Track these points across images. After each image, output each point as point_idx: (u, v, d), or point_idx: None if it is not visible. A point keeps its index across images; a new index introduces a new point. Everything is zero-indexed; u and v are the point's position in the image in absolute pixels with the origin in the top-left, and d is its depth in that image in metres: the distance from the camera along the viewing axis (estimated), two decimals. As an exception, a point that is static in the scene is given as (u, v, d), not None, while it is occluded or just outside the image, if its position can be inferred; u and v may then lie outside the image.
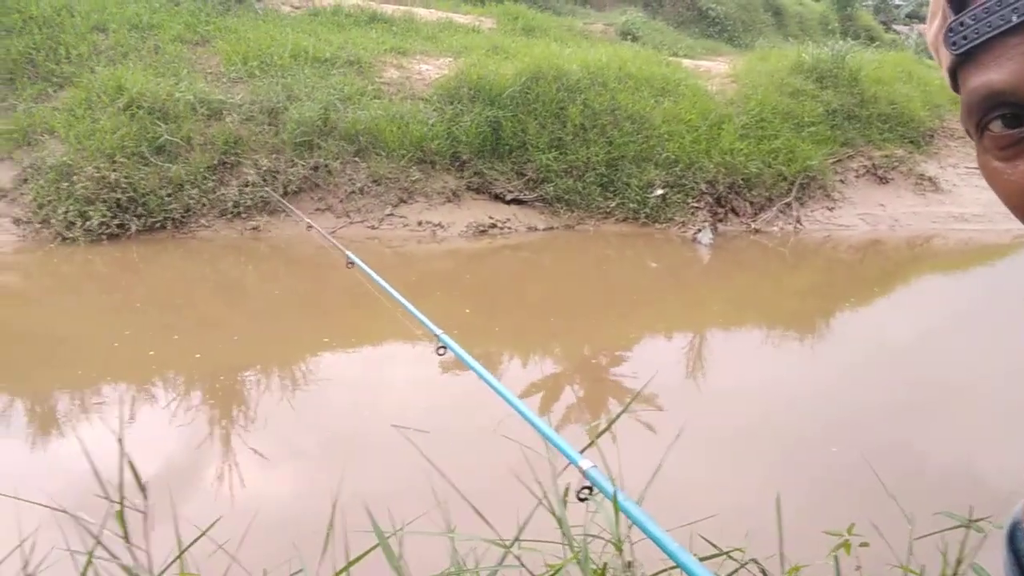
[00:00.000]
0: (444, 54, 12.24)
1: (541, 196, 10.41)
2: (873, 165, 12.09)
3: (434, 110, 10.45)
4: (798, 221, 10.84)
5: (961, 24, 0.60)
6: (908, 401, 5.33)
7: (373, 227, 9.46)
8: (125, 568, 1.39)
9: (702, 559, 1.30)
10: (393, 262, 8.68)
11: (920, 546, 1.64)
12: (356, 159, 9.81)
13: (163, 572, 1.43)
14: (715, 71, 13.63)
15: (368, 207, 9.59)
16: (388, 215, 9.63)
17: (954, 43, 0.61)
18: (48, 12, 10.60)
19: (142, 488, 1.37)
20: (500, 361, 6.06)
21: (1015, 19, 0.56)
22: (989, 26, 0.58)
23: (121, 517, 1.36)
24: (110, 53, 10.41)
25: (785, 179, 11.08)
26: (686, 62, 14.11)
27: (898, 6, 30.48)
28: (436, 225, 9.69)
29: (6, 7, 10.48)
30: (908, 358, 6.29)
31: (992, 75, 0.59)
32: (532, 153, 10.44)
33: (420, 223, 9.65)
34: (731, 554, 1.50)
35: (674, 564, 1.23)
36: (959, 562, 1.54)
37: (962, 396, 5.42)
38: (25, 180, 8.78)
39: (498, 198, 10.33)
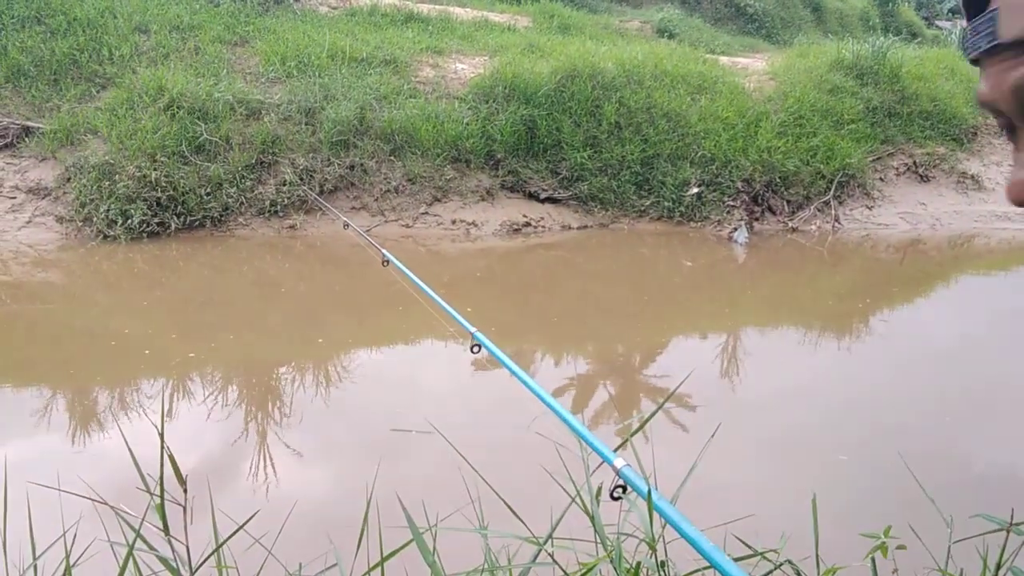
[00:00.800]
0: (480, 53, 12.26)
1: (575, 195, 10.39)
2: (914, 163, 11.90)
3: (469, 109, 10.47)
4: (836, 220, 10.70)
5: (968, 33, 0.64)
6: (947, 403, 5.24)
7: (407, 225, 9.52)
8: (163, 560, 1.41)
9: (736, 559, 1.29)
10: (427, 260, 8.72)
11: (959, 549, 1.61)
12: (391, 158, 9.87)
13: (200, 565, 1.45)
14: (753, 68, 13.50)
15: (403, 206, 9.65)
16: (423, 214, 9.67)
17: (965, 49, 0.65)
18: (92, 14, 10.80)
19: (183, 482, 1.40)
20: (533, 359, 6.07)
21: (984, 45, 0.62)
22: (975, 45, 0.64)
23: (162, 510, 1.38)
24: (151, 54, 10.58)
25: (823, 177, 10.95)
26: (723, 59, 13.99)
27: (941, 2, 29.96)
28: (470, 224, 9.71)
29: (51, 9, 10.70)
30: (948, 360, 6.18)
31: (982, 85, 0.64)
32: (567, 151, 10.42)
33: (454, 222, 9.69)
34: (766, 555, 1.49)
35: (708, 564, 1.22)
36: (999, 566, 1.51)
37: (1003, 398, 5.32)
38: (68, 179, 8.95)
39: (532, 197, 10.33)
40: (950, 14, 29.03)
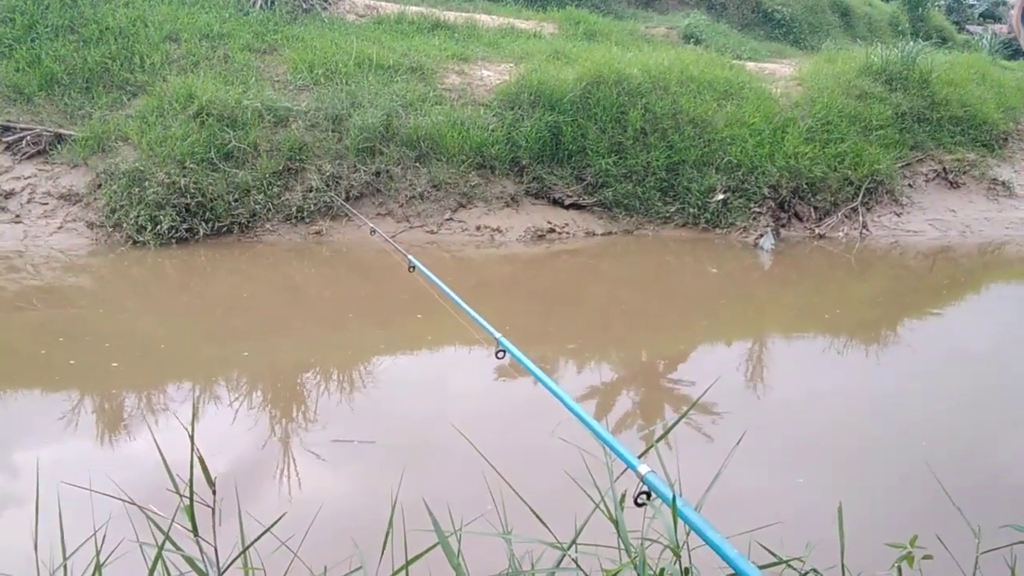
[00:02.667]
0: (505, 60, 12.29)
1: (600, 201, 10.38)
2: (944, 169, 11.76)
3: (494, 115, 10.49)
4: (864, 227, 10.59)
5: None
6: (975, 412, 5.17)
7: (432, 232, 9.55)
8: (191, 561, 1.43)
9: (761, 567, 1.28)
10: (452, 266, 8.74)
11: (987, 560, 1.59)
12: (417, 164, 9.91)
13: (228, 567, 1.47)
14: (780, 74, 13.42)
15: (428, 212, 9.69)
16: (447, 220, 9.70)
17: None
18: (124, 23, 10.95)
19: (211, 484, 1.41)
20: (558, 365, 6.06)
21: None
22: None
23: (191, 512, 1.40)
24: (182, 62, 10.70)
25: (851, 184, 10.84)
26: (750, 65, 13.91)
27: (972, 6, 29.63)
28: (495, 230, 9.73)
29: (84, 19, 10.87)
30: (977, 368, 6.10)
31: None
32: (592, 158, 10.41)
33: (479, 228, 9.71)
34: (791, 563, 1.48)
35: (733, 571, 1.22)
36: (1029, 577, 1.50)
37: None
38: (99, 185, 9.08)
39: (557, 203, 10.33)
40: (981, 19, 28.70)
